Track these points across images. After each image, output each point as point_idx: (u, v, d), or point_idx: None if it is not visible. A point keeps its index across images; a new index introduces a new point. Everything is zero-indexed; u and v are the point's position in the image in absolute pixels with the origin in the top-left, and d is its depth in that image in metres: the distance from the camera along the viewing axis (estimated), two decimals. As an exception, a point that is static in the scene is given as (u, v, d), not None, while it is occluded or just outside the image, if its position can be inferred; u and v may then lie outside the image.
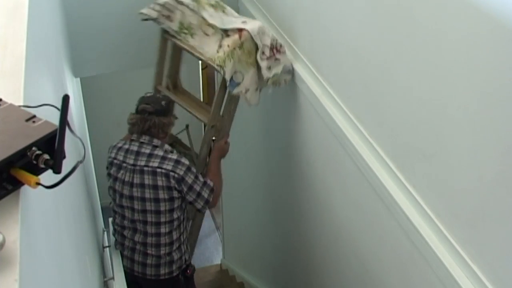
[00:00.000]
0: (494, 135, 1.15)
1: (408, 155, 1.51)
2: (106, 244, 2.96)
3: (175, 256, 2.38)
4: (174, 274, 2.40)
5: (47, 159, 0.73)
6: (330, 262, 2.29)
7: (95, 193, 3.30)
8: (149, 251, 2.34)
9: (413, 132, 1.46)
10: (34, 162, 0.73)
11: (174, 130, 2.59)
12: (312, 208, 2.35)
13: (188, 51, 2.39)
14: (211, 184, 2.32)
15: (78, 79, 3.30)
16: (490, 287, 1.23)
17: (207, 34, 2.33)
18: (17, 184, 0.72)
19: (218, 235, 4.86)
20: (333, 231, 2.16)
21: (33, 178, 0.71)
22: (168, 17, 2.33)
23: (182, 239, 2.40)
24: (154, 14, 2.33)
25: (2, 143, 0.72)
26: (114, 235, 2.51)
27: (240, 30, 2.20)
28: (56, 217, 1.12)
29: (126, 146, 2.31)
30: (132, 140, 2.30)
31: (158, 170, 2.20)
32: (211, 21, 2.30)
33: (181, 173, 2.20)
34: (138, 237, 2.34)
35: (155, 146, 2.26)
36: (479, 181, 1.23)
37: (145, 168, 2.23)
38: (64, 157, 0.75)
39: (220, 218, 4.43)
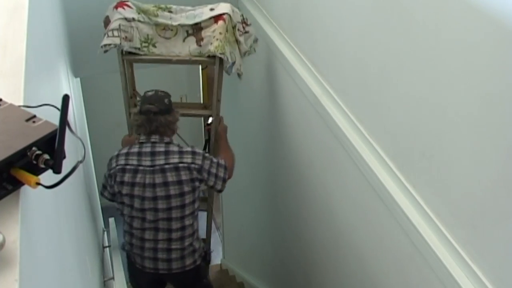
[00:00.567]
0: (494, 135, 1.15)
1: (408, 155, 1.51)
2: (106, 244, 2.96)
3: (196, 245, 2.42)
4: (198, 262, 2.45)
5: (47, 159, 0.73)
6: (329, 262, 2.29)
7: (95, 193, 3.30)
8: (173, 246, 2.35)
9: (413, 132, 1.46)
10: (34, 162, 0.72)
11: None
12: (312, 208, 2.35)
13: (158, 61, 2.46)
14: (223, 162, 2.37)
15: (78, 79, 3.30)
16: (490, 287, 1.23)
17: (168, 38, 2.43)
18: (17, 184, 0.72)
19: (218, 235, 4.87)
20: (332, 231, 2.16)
21: (33, 178, 0.71)
22: (126, 38, 2.36)
23: (197, 228, 2.45)
24: (117, 40, 2.33)
25: (2, 143, 0.72)
26: (128, 240, 2.42)
27: (217, 17, 2.37)
28: (56, 217, 1.12)
29: (136, 150, 2.28)
30: (141, 143, 2.29)
31: (180, 165, 2.24)
32: (175, 23, 2.40)
33: (200, 162, 2.26)
34: (161, 235, 2.33)
35: (168, 143, 2.28)
36: (479, 181, 1.23)
37: (166, 166, 2.23)
38: (64, 157, 0.75)
39: (220, 218, 4.43)
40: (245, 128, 3.31)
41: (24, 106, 0.83)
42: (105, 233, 3.44)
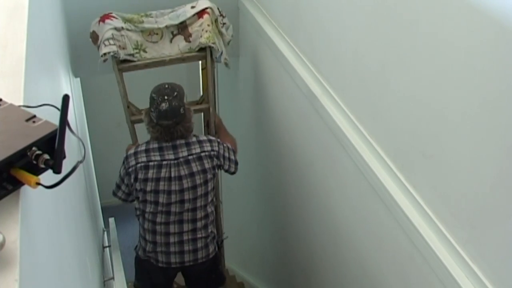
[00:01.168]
0: (494, 135, 1.15)
1: (408, 155, 1.51)
2: (106, 244, 2.96)
3: (214, 231, 2.48)
4: (217, 249, 2.51)
5: (47, 159, 0.73)
6: (329, 262, 2.29)
7: (95, 193, 3.30)
8: (198, 235, 2.38)
9: (413, 132, 1.46)
10: (34, 162, 0.72)
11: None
12: (312, 208, 2.35)
13: (151, 65, 2.54)
14: (230, 145, 2.50)
15: (78, 79, 3.30)
16: (490, 287, 1.23)
17: (155, 42, 2.55)
18: (17, 184, 0.72)
19: (218, 235, 4.86)
20: (332, 231, 2.16)
21: (33, 178, 0.71)
22: (120, 47, 2.45)
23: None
24: (114, 47, 2.40)
25: (2, 143, 0.72)
26: (151, 239, 2.38)
27: (201, 12, 2.53)
28: (56, 217, 1.12)
29: (156, 145, 2.28)
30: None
31: (203, 154, 2.30)
32: (161, 25, 2.54)
33: (217, 148, 2.36)
34: (186, 227, 2.35)
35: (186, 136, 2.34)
36: (479, 181, 1.23)
37: (190, 157, 2.28)
38: (64, 157, 0.75)
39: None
40: (245, 128, 3.31)
41: (24, 106, 0.83)
42: (105, 233, 3.44)
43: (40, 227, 0.85)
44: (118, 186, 2.39)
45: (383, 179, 1.61)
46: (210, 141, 2.36)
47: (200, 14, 2.53)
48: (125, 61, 2.49)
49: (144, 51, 2.52)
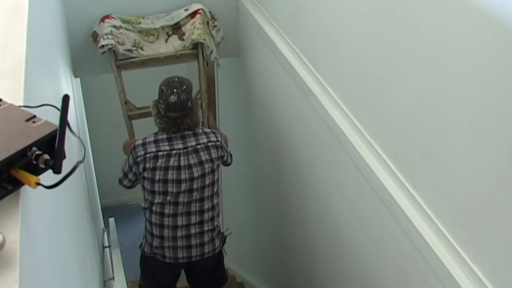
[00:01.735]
0: (494, 135, 1.15)
1: (408, 155, 1.51)
2: (106, 244, 2.96)
3: (219, 225, 2.51)
4: (221, 244, 2.53)
5: (47, 159, 0.73)
6: (329, 261, 2.29)
7: (95, 193, 3.30)
8: (205, 228, 2.40)
9: (413, 132, 1.46)
10: (34, 162, 0.72)
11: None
12: (312, 208, 2.35)
13: (147, 62, 2.70)
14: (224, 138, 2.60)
15: (78, 79, 3.30)
16: (490, 287, 1.23)
17: (152, 42, 2.73)
18: (17, 184, 0.72)
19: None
20: (332, 231, 2.16)
21: (33, 178, 0.71)
22: (119, 43, 2.62)
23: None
24: (112, 41, 2.56)
25: (2, 143, 0.72)
26: (159, 234, 2.39)
27: (193, 13, 2.72)
28: (56, 217, 1.12)
29: (165, 136, 2.34)
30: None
31: (210, 144, 2.37)
32: (157, 25, 2.72)
33: (220, 139, 2.44)
34: (193, 219, 2.37)
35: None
36: (479, 181, 1.23)
37: (198, 147, 2.35)
38: (64, 157, 0.75)
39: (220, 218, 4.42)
40: (245, 128, 3.31)
41: (24, 106, 0.83)
42: (105, 233, 3.44)
43: (40, 227, 0.85)
44: (125, 175, 2.43)
45: (383, 179, 1.61)
46: (213, 132, 2.45)
47: (193, 14, 2.72)
48: (122, 59, 2.66)
49: (142, 49, 2.69)
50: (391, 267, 1.70)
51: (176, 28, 2.75)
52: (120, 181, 2.47)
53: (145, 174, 2.33)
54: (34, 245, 0.77)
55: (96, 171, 3.88)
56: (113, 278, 2.52)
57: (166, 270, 2.49)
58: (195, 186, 2.34)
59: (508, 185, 1.13)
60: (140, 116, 2.77)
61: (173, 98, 2.26)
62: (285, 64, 2.29)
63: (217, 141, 2.42)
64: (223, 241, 2.56)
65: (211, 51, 2.73)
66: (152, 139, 2.35)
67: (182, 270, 2.62)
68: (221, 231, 2.58)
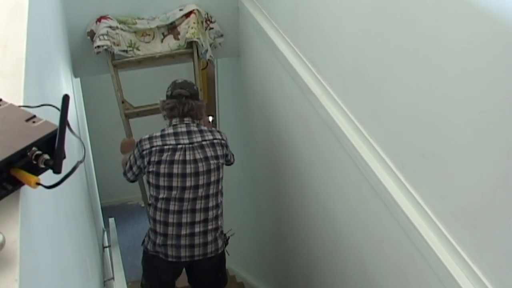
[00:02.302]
0: (494, 135, 1.15)
1: (408, 155, 1.51)
2: (106, 244, 2.96)
3: (223, 225, 2.53)
4: (224, 245, 2.54)
5: (47, 159, 0.73)
6: (329, 261, 2.29)
7: (95, 193, 3.30)
8: (209, 226, 2.41)
9: (413, 132, 1.46)
10: (34, 162, 0.72)
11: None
12: (312, 208, 2.35)
13: (143, 61, 2.76)
14: None
15: (78, 79, 3.30)
16: (490, 287, 1.23)
17: (147, 42, 2.80)
18: (17, 184, 0.72)
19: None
20: (332, 231, 2.16)
21: (33, 178, 0.71)
22: (114, 43, 2.68)
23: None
24: (107, 42, 2.63)
25: (2, 143, 0.72)
26: (163, 232, 2.38)
27: (188, 14, 2.78)
28: (56, 217, 1.12)
29: (171, 131, 2.40)
30: (175, 125, 2.42)
31: (215, 141, 2.41)
32: (153, 25, 2.78)
33: (225, 138, 2.50)
34: (198, 217, 2.38)
35: (198, 124, 2.47)
36: (479, 181, 1.23)
37: (204, 143, 2.39)
38: (64, 157, 0.75)
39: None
40: (245, 127, 3.31)
41: (24, 106, 0.83)
42: (105, 233, 3.44)
43: (40, 227, 0.85)
44: (130, 167, 2.47)
45: (383, 179, 1.61)
46: (218, 131, 2.51)
47: (188, 14, 2.78)
48: (118, 59, 2.72)
49: (137, 49, 2.75)
50: (391, 267, 1.70)
51: (172, 28, 2.81)
52: (125, 173, 2.53)
53: (150, 168, 2.35)
54: (34, 245, 0.77)
55: (96, 171, 3.88)
56: (113, 278, 2.52)
57: (168, 268, 2.49)
58: (200, 182, 2.35)
59: (508, 185, 1.13)
60: (137, 115, 2.80)
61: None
62: (285, 64, 2.29)
63: (222, 139, 2.46)
64: (225, 242, 2.56)
65: (206, 50, 2.80)
66: (158, 134, 2.40)
67: (184, 270, 2.62)
68: (224, 232, 2.58)
